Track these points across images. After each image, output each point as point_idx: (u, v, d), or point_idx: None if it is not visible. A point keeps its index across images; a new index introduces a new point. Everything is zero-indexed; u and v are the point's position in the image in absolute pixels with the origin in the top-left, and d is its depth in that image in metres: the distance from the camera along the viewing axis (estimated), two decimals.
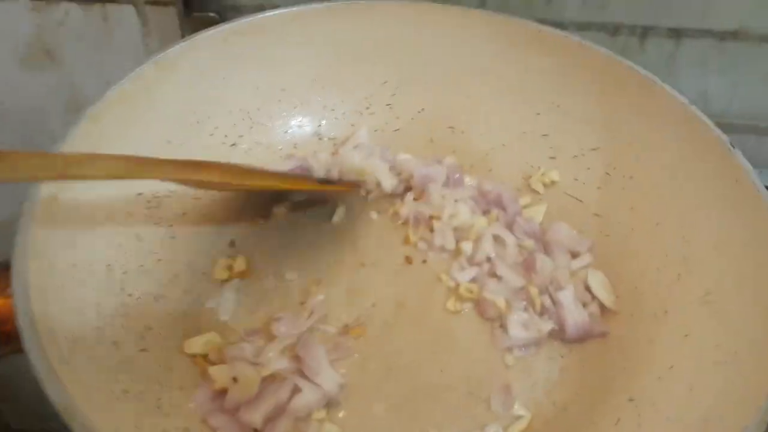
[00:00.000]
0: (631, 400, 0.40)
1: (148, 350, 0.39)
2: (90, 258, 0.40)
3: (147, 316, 0.41)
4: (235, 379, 0.38)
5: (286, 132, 0.55)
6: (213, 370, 0.39)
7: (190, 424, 0.37)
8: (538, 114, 0.54)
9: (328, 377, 0.40)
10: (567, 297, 0.46)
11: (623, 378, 0.42)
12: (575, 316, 0.45)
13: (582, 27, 0.59)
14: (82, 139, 0.42)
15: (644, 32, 0.60)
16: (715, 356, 0.38)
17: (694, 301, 0.43)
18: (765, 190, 0.42)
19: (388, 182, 0.51)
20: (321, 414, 0.40)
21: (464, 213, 0.50)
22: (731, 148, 0.43)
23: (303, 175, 0.51)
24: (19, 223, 0.36)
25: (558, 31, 0.52)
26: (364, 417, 0.41)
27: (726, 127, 0.45)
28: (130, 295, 0.41)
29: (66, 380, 0.31)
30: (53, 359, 0.32)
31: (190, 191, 0.48)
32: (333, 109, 0.56)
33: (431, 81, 0.56)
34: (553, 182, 0.53)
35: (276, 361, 0.41)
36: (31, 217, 0.36)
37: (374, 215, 0.52)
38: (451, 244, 0.49)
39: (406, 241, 0.50)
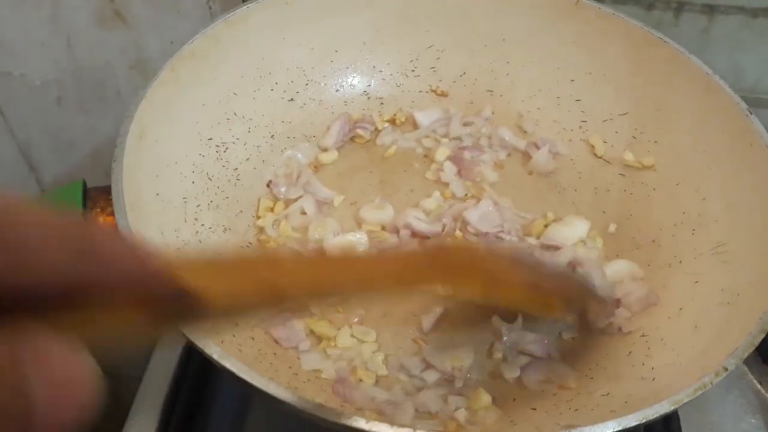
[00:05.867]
0: (643, 335, 0.45)
1: None
2: (170, 190, 0.46)
3: (217, 244, 0.47)
4: None
5: (337, 90, 0.60)
6: None
7: (255, 334, 0.43)
8: (572, 80, 0.58)
9: None
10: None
11: (639, 318, 0.47)
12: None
13: (618, 1, 0.62)
14: (162, 86, 0.47)
15: (679, 7, 0.63)
16: (719, 298, 0.43)
17: (706, 252, 0.47)
18: None
19: None
20: None
21: None
22: (748, 114, 0.47)
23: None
24: (114, 152, 0.42)
25: (594, 4, 0.56)
26: None
27: (757, 102, 0.48)
28: (203, 225, 0.47)
29: None
30: None
31: (252, 140, 0.54)
32: (381, 71, 0.60)
33: (473, 47, 0.60)
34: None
35: None
36: (124, 148, 0.42)
37: None
38: None
39: None
